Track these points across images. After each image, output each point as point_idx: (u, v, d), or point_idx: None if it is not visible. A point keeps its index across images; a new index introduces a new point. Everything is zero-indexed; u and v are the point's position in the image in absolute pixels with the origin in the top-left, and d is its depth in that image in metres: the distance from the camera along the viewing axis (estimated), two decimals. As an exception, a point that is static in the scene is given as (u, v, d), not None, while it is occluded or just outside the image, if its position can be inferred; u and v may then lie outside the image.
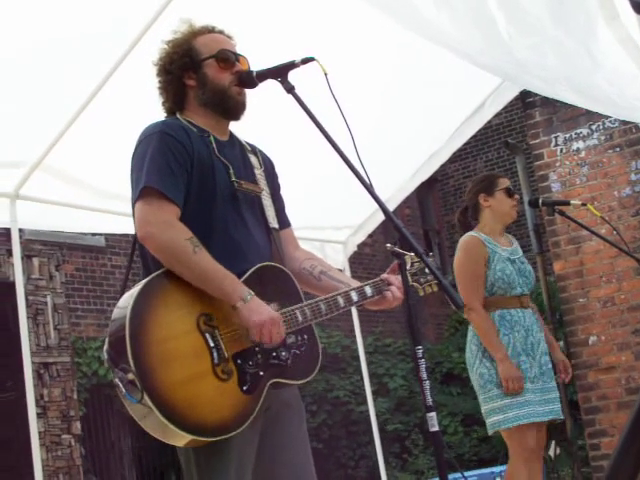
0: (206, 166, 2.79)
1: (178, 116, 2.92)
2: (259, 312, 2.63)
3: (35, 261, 9.05)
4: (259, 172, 3.00)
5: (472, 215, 4.96)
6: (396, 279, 2.92)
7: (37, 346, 8.74)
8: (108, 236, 9.94)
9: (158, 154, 2.71)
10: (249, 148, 3.05)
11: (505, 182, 4.91)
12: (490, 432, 4.67)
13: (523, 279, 4.77)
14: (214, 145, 2.85)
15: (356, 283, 2.96)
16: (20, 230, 4.96)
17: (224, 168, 2.84)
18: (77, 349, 9.40)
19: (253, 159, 3.02)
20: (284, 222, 3.09)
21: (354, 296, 2.88)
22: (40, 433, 7.17)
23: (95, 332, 9.66)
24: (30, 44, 3.99)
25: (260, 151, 3.10)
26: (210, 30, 2.97)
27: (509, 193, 4.86)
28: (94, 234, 9.73)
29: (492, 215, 4.87)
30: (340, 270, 3.45)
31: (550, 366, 4.74)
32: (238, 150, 2.98)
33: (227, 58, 2.90)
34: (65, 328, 9.20)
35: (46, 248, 9.19)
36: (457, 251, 4.84)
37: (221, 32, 2.99)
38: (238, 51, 2.96)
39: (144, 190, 2.68)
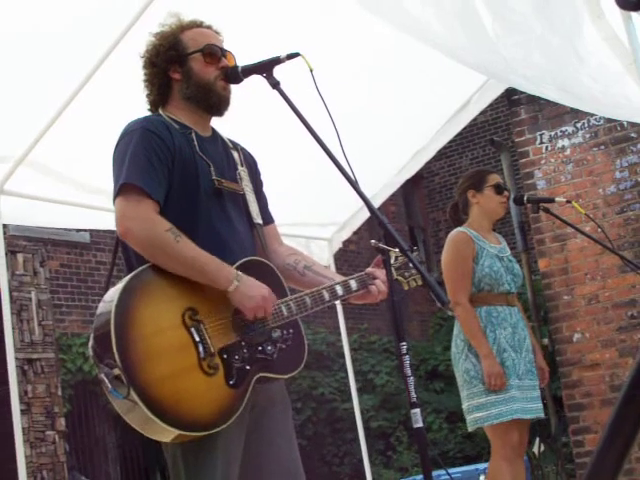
0: (188, 162, 2.79)
1: (160, 112, 2.91)
2: (254, 290, 2.66)
3: (19, 257, 9.01)
4: (241, 169, 2.99)
5: (462, 211, 4.96)
6: (381, 273, 2.92)
7: (21, 342, 8.70)
8: (93, 232, 9.93)
9: (139, 150, 2.71)
10: (231, 145, 3.05)
11: (495, 178, 4.91)
12: (471, 428, 4.67)
13: (511, 277, 4.76)
14: (196, 142, 2.85)
15: (341, 278, 2.97)
16: (4, 226, 4.94)
17: (206, 165, 2.84)
18: (62, 345, 9.38)
19: (235, 155, 3.01)
20: (267, 218, 3.10)
21: (339, 290, 2.89)
22: (24, 429, 7.14)
23: (80, 328, 9.64)
24: (14, 38, 3.97)
25: (242, 148, 3.10)
26: (198, 24, 2.96)
27: (498, 190, 4.85)
28: (79, 230, 9.71)
29: (480, 211, 4.87)
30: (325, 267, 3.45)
31: (534, 364, 4.76)
32: (220, 146, 2.98)
33: (213, 53, 2.89)
34: (49, 324, 9.16)
35: (30, 244, 9.16)
36: (445, 246, 4.83)
37: (209, 27, 2.98)
38: (225, 47, 2.96)
39: (123, 186, 2.68)
